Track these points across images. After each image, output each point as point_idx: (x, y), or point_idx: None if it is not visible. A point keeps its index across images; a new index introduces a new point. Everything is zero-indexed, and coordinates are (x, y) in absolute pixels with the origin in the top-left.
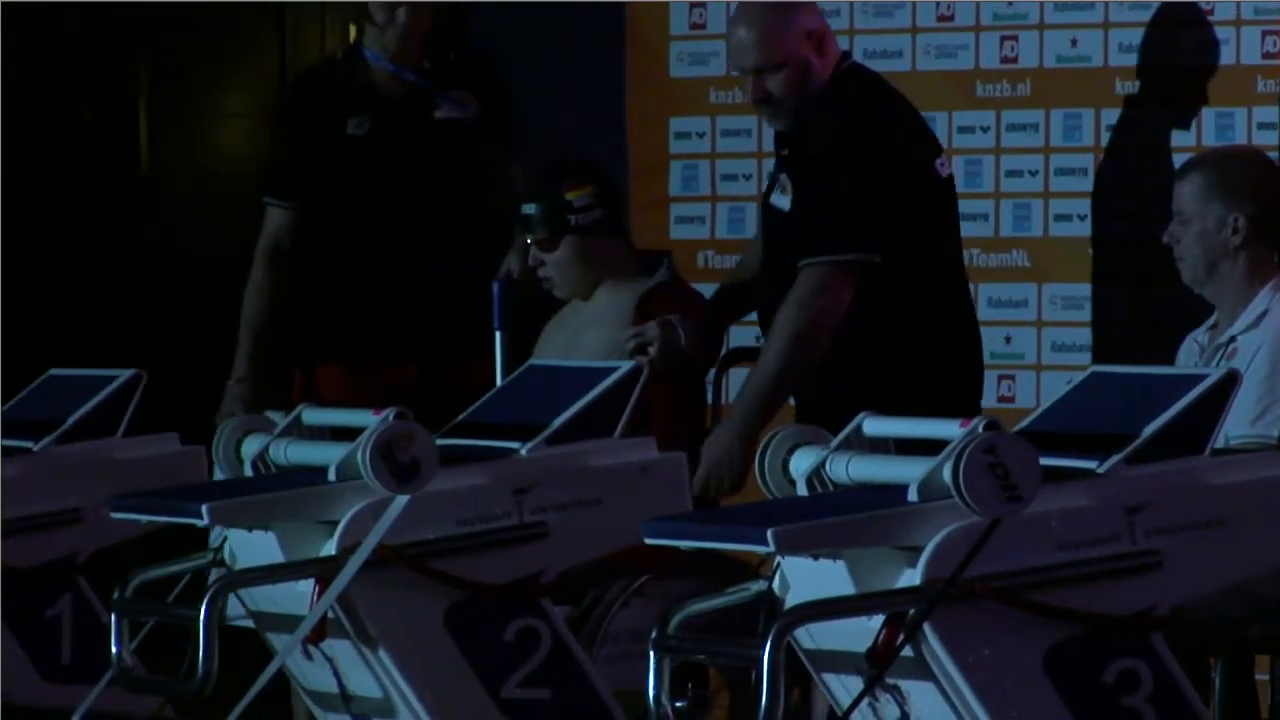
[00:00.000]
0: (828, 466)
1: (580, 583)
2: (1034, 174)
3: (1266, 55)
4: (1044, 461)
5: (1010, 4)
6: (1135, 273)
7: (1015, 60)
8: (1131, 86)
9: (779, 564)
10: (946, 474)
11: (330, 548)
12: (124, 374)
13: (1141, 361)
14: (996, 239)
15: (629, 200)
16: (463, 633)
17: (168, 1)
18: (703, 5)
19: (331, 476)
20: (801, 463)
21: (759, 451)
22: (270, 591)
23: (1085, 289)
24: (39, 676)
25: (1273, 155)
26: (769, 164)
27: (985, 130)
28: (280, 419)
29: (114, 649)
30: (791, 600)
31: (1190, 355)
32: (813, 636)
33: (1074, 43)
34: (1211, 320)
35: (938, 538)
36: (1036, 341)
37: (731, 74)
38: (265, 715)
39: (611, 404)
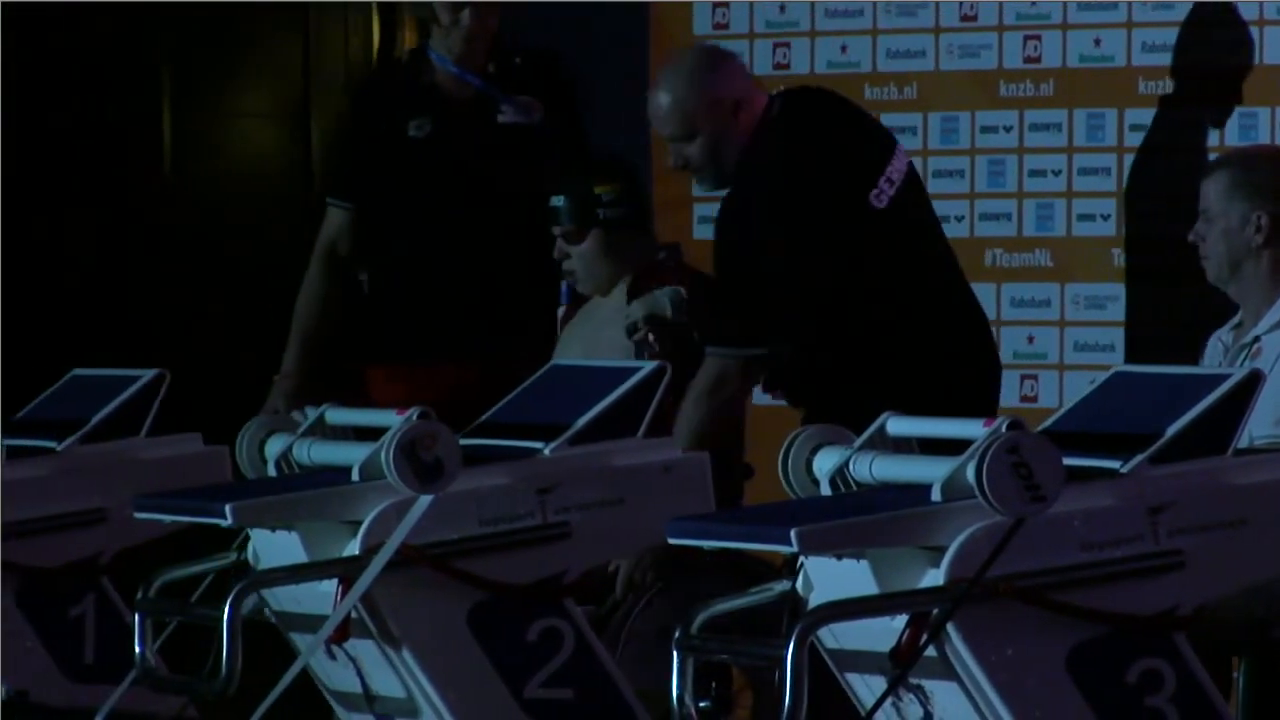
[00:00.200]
0: (851, 466)
1: (603, 583)
2: (1057, 174)
3: None
4: (1067, 461)
5: (1033, 4)
6: (1169, 272)
7: (1038, 60)
8: (1155, 86)
9: (802, 564)
10: (970, 474)
11: (354, 548)
12: (147, 374)
13: (1175, 361)
14: (1019, 239)
15: (652, 200)
16: (486, 633)
17: (191, 1)
18: (726, 5)
19: (355, 476)
20: (825, 462)
21: (782, 452)
22: (293, 591)
23: (1108, 288)
24: (62, 676)
25: None
26: None
27: (1008, 130)
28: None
29: (137, 649)
30: (815, 600)
31: (1215, 354)
32: (836, 636)
33: (1097, 42)
34: (1236, 319)
35: (961, 537)
36: (1059, 341)
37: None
38: (289, 715)
39: (635, 404)
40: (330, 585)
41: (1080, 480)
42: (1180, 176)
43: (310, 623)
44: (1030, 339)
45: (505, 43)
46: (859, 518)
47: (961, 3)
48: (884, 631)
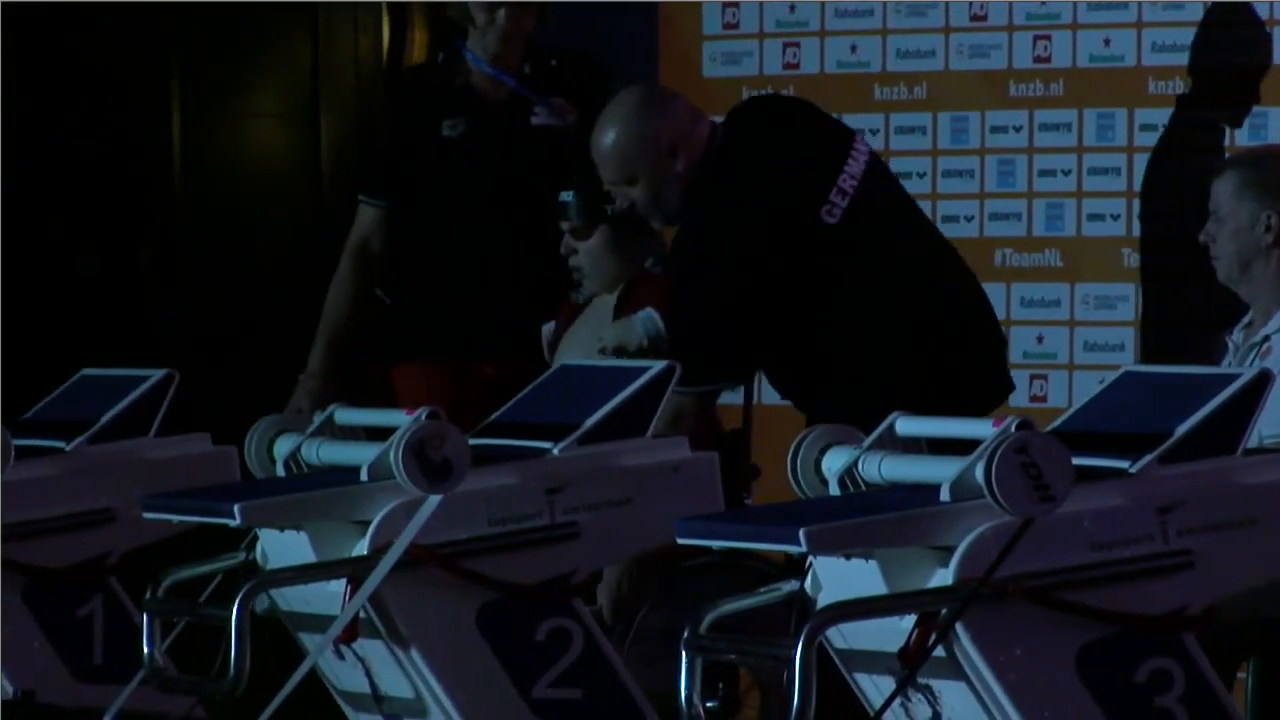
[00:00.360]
0: (860, 466)
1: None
2: (1067, 173)
3: None
4: (1076, 461)
5: (1043, 4)
6: (1184, 272)
7: (1048, 60)
8: (1165, 85)
9: (811, 564)
10: (979, 474)
11: (362, 548)
12: (156, 374)
13: (1190, 361)
14: (1029, 238)
15: None
16: (494, 633)
17: (200, 2)
18: (735, 5)
19: (364, 476)
20: (834, 462)
21: (791, 451)
22: (302, 591)
23: (1118, 288)
24: (71, 676)
25: None
26: None
27: (1018, 130)
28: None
29: (146, 649)
30: (823, 600)
31: (1227, 354)
32: (845, 636)
33: (1107, 42)
34: (1246, 319)
35: (970, 537)
36: (1069, 341)
37: (765, 73)
38: (297, 715)
39: (643, 404)
40: (339, 585)
41: (1089, 480)
42: (1196, 176)
43: (318, 623)
44: (1040, 339)
45: (541, 44)
46: (868, 518)
47: (971, 2)
48: (892, 631)
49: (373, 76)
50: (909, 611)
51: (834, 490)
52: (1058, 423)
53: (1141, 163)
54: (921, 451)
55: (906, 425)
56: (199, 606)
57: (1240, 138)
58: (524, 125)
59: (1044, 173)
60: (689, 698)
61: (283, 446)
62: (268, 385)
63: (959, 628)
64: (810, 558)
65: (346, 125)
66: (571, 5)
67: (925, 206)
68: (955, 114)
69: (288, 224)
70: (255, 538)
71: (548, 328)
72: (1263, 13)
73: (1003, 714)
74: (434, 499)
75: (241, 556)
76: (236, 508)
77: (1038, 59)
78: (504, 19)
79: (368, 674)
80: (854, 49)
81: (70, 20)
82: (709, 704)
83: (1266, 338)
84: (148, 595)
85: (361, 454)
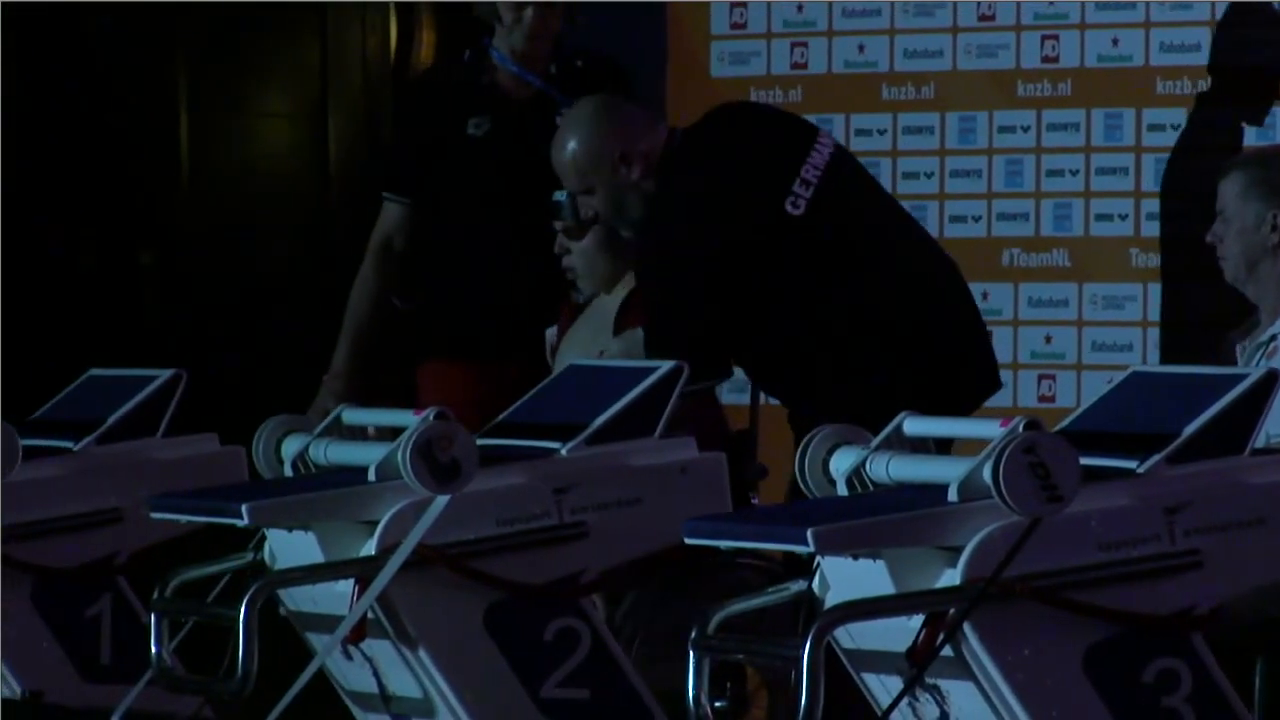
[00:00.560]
0: (868, 466)
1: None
2: (1075, 173)
3: None
4: (1084, 461)
5: (1051, 3)
6: (1205, 272)
7: (1056, 60)
8: (1173, 85)
9: (819, 564)
10: (986, 474)
11: (370, 548)
12: (164, 374)
13: (1207, 362)
14: (1037, 238)
15: None
16: (502, 633)
17: (208, 2)
18: (743, 5)
19: (371, 476)
20: (842, 462)
21: (799, 451)
22: (310, 591)
23: (1126, 288)
24: (79, 676)
25: None
26: None
27: (1026, 130)
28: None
29: (153, 649)
30: (831, 600)
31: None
32: (852, 636)
33: (1115, 42)
34: (1262, 329)
35: (978, 537)
36: (1077, 341)
37: (772, 73)
38: (305, 715)
39: (651, 404)
40: (346, 585)
41: (1097, 480)
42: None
43: (326, 623)
44: (1048, 339)
45: (567, 45)
46: (875, 518)
47: (979, 2)
48: (900, 631)
49: (380, 77)
50: (917, 611)
51: (841, 490)
52: (1065, 423)
53: (1149, 163)
54: (929, 452)
55: (914, 425)
56: (207, 606)
57: (1250, 137)
58: (549, 125)
59: (1052, 173)
60: (697, 697)
61: (290, 447)
62: (276, 385)
63: (967, 627)
64: (818, 558)
65: (354, 125)
66: (580, 5)
67: (933, 206)
68: (963, 114)
69: (295, 224)
70: (263, 538)
71: (551, 332)
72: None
73: (1010, 714)
74: (442, 499)
75: (249, 556)
76: (244, 508)
77: (1045, 59)
78: (531, 18)
79: (375, 674)
80: (862, 49)
81: (77, 20)
82: (717, 704)
83: (1274, 337)
84: (155, 595)
85: (369, 454)
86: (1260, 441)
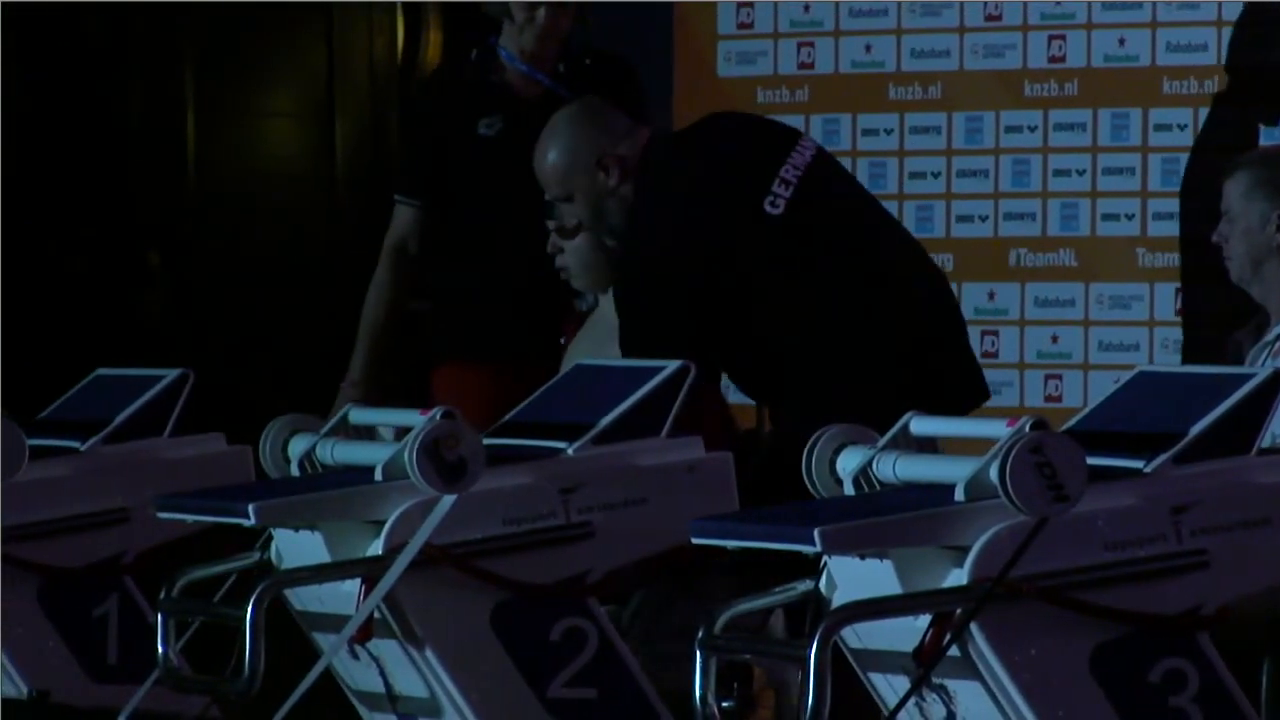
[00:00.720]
0: (874, 466)
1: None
2: (1081, 173)
3: None
4: (1090, 461)
5: (1058, 3)
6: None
7: (1063, 60)
8: (1179, 85)
9: (826, 563)
10: (993, 473)
11: (377, 547)
12: (171, 374)
13: (1227, 362)
14: (1044, 238)
15: None
16: (509, 632)
17: (215, 2)
18: (750, 5)
19: (378, 476)
20: (848, 462)
21: (806, 451)
22: (316, 591)
23: (1133, 288)
24: (85, 676)
25: None
26: None
27: (1033, 130)
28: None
29: (160, 649)
30: (838, 600)
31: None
32: (859, 636)
33: (1121, 42)
34: (1262, 319)
35: (984, 537)
36: (1084, 341)
37: (779, 73)
38: (312, 715)
39: (659, 403)
40: (353, 585)
41: (1103, 480)
42: None
43: (333, 623)
44: (1055, 338)
45: (575, 44)
46: (882, 517)
47: (986, 2)
48: (907, 631)
49: (387, 77)
50: (924, 611)
51: (849, 490)
52: (1072, 422)
53: (1156, 163)
54: (937, 452)
55: (921, 425)
56: (213, 606)
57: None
58: None
59: (1058, 172)
60: (703, 697)
61: (297, 446)
62: (283, 385)
63: (973, 627)
64: (825, 557)
65: (361, 125)
66: (588, 5)
67: (940, 206)
68: (970, 114)
69: (302, 224)
70: (270, 537)
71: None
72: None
73: (1017, 714)
74: (448, 499)
75: (256, 556)
76: (251, 508)
77: (1052, 59)
78: (544, 17)
79: (382, 674)
80: (869, 49)
81: (84, 21)
82: (724, 704)
83: (1279, 337)
84: (162, 595)
85: (376, 454)
86: (1266, 441)
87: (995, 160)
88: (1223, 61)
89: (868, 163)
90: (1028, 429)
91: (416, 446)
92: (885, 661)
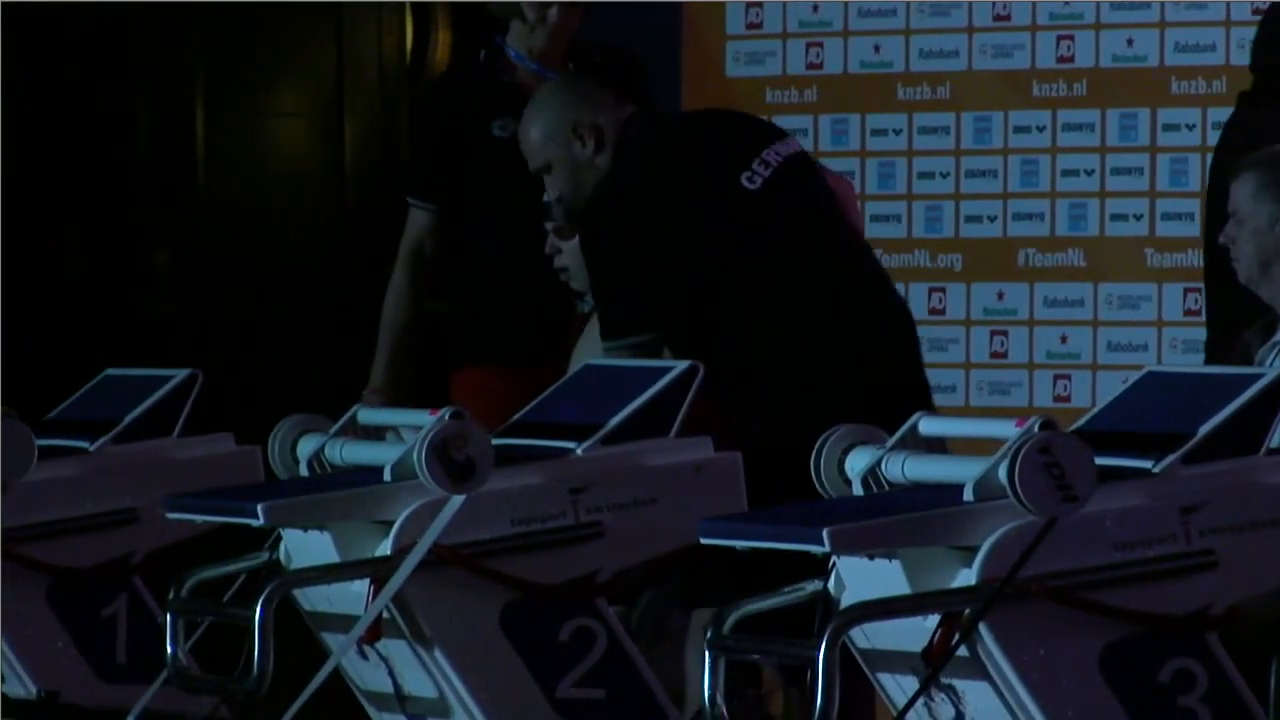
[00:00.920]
0: (883, 466)
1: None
2: (1090, 173)
3: None
4: (1099, 461)
5: (1066, 3)
6: None
7: (1071, 60)
8: (1188, 85)
9: (834, 563)
10: (1002, 474)
11: (385, 548)
12: (180, 374)
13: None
14: (1052, 238)
15: None
16: (518, 632)
17: (225, 2)
18: (759, 5)
19: (387, 476)
20: (857, 462)
21: (814, 451)
22: (325, 591)
23: (1141, 288)
24: (94, 676)
25: None
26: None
27: (1041, 130)
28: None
29: (169, 649)
30: (847, 600)
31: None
32: (868, 636)
33: (1130, 42)
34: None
35: (993, 537)
36: (1092, 341)
37: (788, 73)
38: (320, 715)
39: (667, 403)
40: (362, 585)
41: (1112, 480)
42: None
43: (342, 623)
44: (1063, 339)
45: (583, 41)
46: (891, 518)
47: (994, 2)
48: (916, 631)
49: (396, 77)
50: (932, 611)
51: (857, 490)
52: (1081, 423)
53: (1165, 163)
54: (945, 452)
55: (930, 425)
56: (222, 606)
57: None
58: None
59: (1067, 173)
60: (712, 698)
61: (306, 446)
62: (291, 385)
63: (982, 628)
64: (834, 557)
65: (370, 125)
66: (595, 4)
67: (948, 206)
68: (978, 114)
69: (311, 224)
70: (279, 538)
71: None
72: None
73: (1026, 714)
74: (457, 499)
75: (265, 556)
76: (260, 508)
77: (1061, 59)
78: (555, 17)
79: (391, 674)
80: (877, 49)
81: (94, 20)
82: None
83: None
84: (171, 595)
85: (385, 454)
86: (1275, 441)
87: (1004, 160)
88: (1231, 62)
89: (876, 163)
90: (1036, 429)
91: (425, 447)
92: (894, 662)
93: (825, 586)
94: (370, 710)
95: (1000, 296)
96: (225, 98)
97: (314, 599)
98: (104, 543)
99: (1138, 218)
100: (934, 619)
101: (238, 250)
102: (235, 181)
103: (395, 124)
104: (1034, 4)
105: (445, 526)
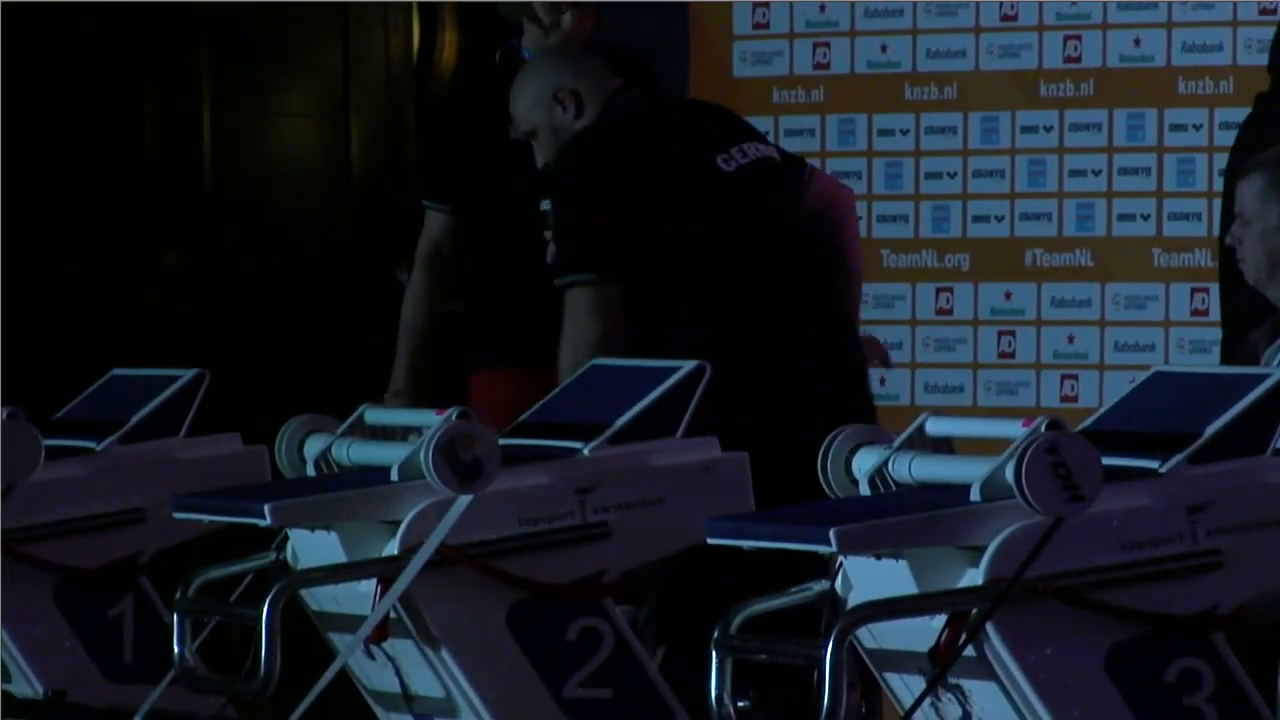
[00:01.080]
0: (890, 466)
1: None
2: (1097, 174)
3: None
4: (1106, 461)
5: (1073, 3)
6: None
7: (1078, 60)
8: (1195, 85)
9: (841, 563)
10: (1009, 473)
11: (392, 548)
12: (187, 374)
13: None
14: (1060, 238)
15: None
16: (525, 632)
17: (231, 2)
18: (766, 5)
19: (394, 476)
20: (864, 462)
21: (821, 451)
22: (332, 591)
23: (1149, 288)
24: (101, 676)
25: None
26: (833, 163)
27: (1048, 130)
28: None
29: (176, 649)
30: (854, 600)
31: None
32: (875, 636)
33: (1137, 42)
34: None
35: (1000, 537)
36: (1100, 341)
37: (795, 73)
38: (327, 715)
39: (674, 403)
40: (369, 585)
41: (1119, 480)
42: None
43: (349, 623)
44: (1071, 339)
45: (593, 42)
46: (898, 518)
47: (1002, 3)
48: (923, 631)
49: (403, 77)
50: (939, 611)
51: (864, 490)
52: (1088, 423)
53: (1172, 163)
54: (952, 452)
55: (937, 425)
56: (229, 606)
57: None
58: None
59: (1074, 173)
60: (719, 698)
61: (313, 446)
62: (298, 385)
63: (989, 627)
64: (840, 557)
65: (376, 125)
66: (603, 5)
67: (955, 206)
68: (986, 114)
69: (318, 223)
70: (286, 538)
71: None
72: None
73: (1033, 714)
74: (464, 499)
75: (272, 556)
76: (267, 508)
77: (1068, 59)
78: (570, 20)
79: (398, 674)
80: (884, 49)
81: (101, 19)
82: (739, 704)
83: None
84: (178, 595)
85: (392, 454)
86: None
87: (1011, 160)
88: (1238, 62)
89: (884, 163)
90: (1043, 429)
91: (432, 447)
92: (901, 662)
93: (832, 586)
94: (377, 710)
95: (1008, 296)
96: (231, 98)
97: (321, 599)
98: (111, 543)
99: (1145, 218)
100: (941, 619)
101: (244, 250)
102: (241, 181)
103: (402, 124)
104: (1041, 4)
105: (452, 526)
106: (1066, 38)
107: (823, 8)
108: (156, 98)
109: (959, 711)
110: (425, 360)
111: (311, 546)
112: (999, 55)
